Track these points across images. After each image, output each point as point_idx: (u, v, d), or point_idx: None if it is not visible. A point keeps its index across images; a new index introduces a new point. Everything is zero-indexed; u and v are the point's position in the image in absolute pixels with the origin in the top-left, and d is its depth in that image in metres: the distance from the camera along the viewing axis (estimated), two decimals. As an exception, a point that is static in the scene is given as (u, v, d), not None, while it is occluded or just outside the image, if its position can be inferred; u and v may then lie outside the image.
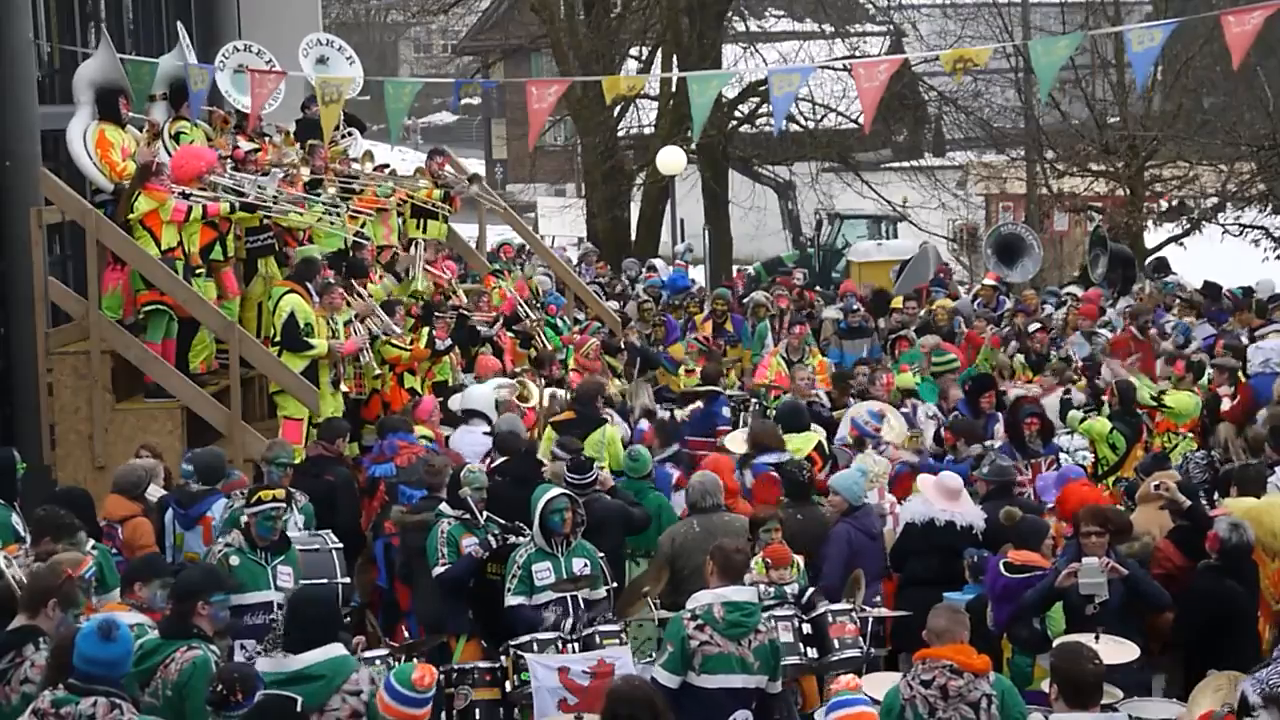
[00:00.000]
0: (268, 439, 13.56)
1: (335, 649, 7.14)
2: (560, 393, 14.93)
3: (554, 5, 30.81)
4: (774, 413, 14.29)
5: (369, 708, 7.09)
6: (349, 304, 14.35)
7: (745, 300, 21.65)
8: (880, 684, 8.68)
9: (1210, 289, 21.19)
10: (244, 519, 9.73)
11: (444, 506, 10.70)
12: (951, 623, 7.63)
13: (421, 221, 17.45)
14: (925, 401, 15.10)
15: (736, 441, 13.21)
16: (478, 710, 9.41)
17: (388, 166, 18.21)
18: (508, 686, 9.39)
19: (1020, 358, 17.78)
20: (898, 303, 20.83)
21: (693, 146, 28.11)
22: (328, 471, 11.95)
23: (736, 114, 31.33)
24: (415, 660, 9.25)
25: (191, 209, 13.68)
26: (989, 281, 22.29)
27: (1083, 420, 14.18)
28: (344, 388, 14.11)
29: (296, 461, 11.97)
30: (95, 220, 13.68)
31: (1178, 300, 20.88)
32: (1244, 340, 17.34)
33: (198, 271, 13.99)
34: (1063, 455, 13.45)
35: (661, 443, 13.22)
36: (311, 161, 15.90)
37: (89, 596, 8.15)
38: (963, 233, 37.23)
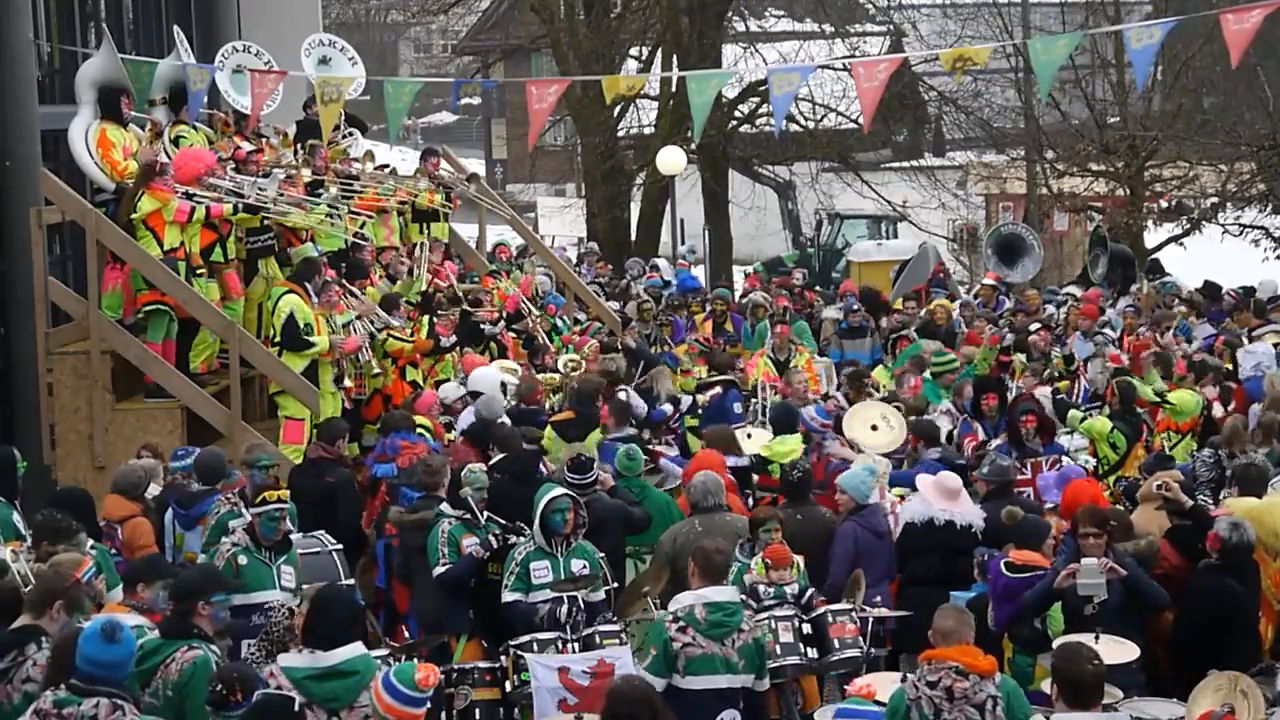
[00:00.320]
0: (268, 439, 13.58)
1: (360, 647, 7.18)
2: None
3: (554, 5, 30.80)
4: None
5: None
6: (348, 303, 14.34)
7: (745, 300, 21.65)
8: (880, 684, 8.69)
9: (1210, 289, 21.19)
10: (248, 517, 9.78)
11: (444, 506, 10.71)
12: (958, 623, 7.65)
13: (425, 225, 17.49)
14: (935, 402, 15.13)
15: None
16: (478, 710, 9.42)
17: (387, 167, 18.23)
18: (508, 686, 9.40)
19: (1021, 357, 17.78)
20: (898, 303, 20.82)
21: (693, 146, 28.10)
22: (328, 473, 11.95)
23: (736, 114, 31.32)
24: (416, 659, 9.30)
25: (194, 209, 13.68)
26: (989, 281, 22.28)
27: (1083, 420, 14.18)
28: (347, 383, 14.12)
29: (280, 461, 12.00)
30: (95, 220, 13.68)
31: (1177, 300, 20.88)
32: (1244, 340, 17.35)
33: (199, 272, 13.99)
34: (1065, 457, 13.46)
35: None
36: (312, 162, 15.90)
37: (95, 603, 8.17)
38: (963, 233, 37.23)
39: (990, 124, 32.91)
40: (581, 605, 9.88)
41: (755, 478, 12.87)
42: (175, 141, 14.95)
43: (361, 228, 15.82)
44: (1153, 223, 31.19)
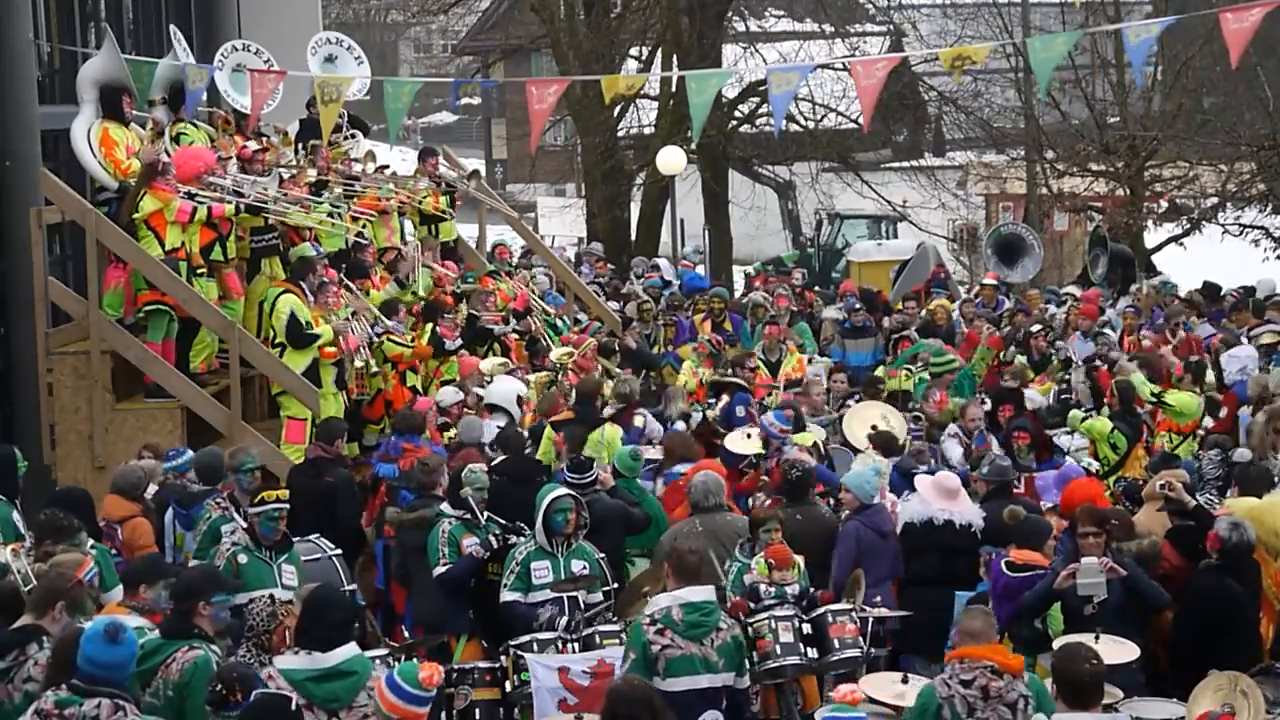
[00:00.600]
0: (268, 439, 13.59)
1: (355, 647, 7.19)
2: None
3: (554, 5, 30.78)
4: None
5: None
6: (346, 299, 14.33)
7: (745, 300, 21.64)
8: (880, 684, 8.70)
9: (1210, 289, 21.18)
10: (240, 522, 9.81)
11: (445, 506, 10.72)
12: (986, 624, 7.74)
13: (433, 227, 17.51)
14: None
15: (734, 440, 13.22)
16: (478, 710, 9.43)
17: (387, 167, 18.23)
18: (508, 686, 9.41)
19: (1022, 358, 17.77)
20: (898, 303, 20.81)
21: (693, 146, 28.10)
22: (327, 473, 11.95)
23: (736, 114, 31.31)
24: (415, 659, 9.30)
25: (196, 210, 13.68)
26: (989, 281, 22.27)
27: (1084, 420, 14.17)
28: (349, 383, 14.15)
29: (269, 462, 12.02)
30: (95, 220, 13.69)
31: (1177, 300, 20.87)
32: (1243, 340, 17.34)
33: (199, 271, 13.99)
34: (1067, 457, 13.47)
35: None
36: (315, 162, 15.90)
37: (96, 604, 8.18)
38: (963, 233, 37.21)
39: (990, 124, 32.89)
40: (581, 606, 9.88)
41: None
42: (176, 140, 14.96)
43: (363, 228, 15.84)
44: (1153, 223, 31.18)
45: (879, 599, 10.18)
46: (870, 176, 33.18)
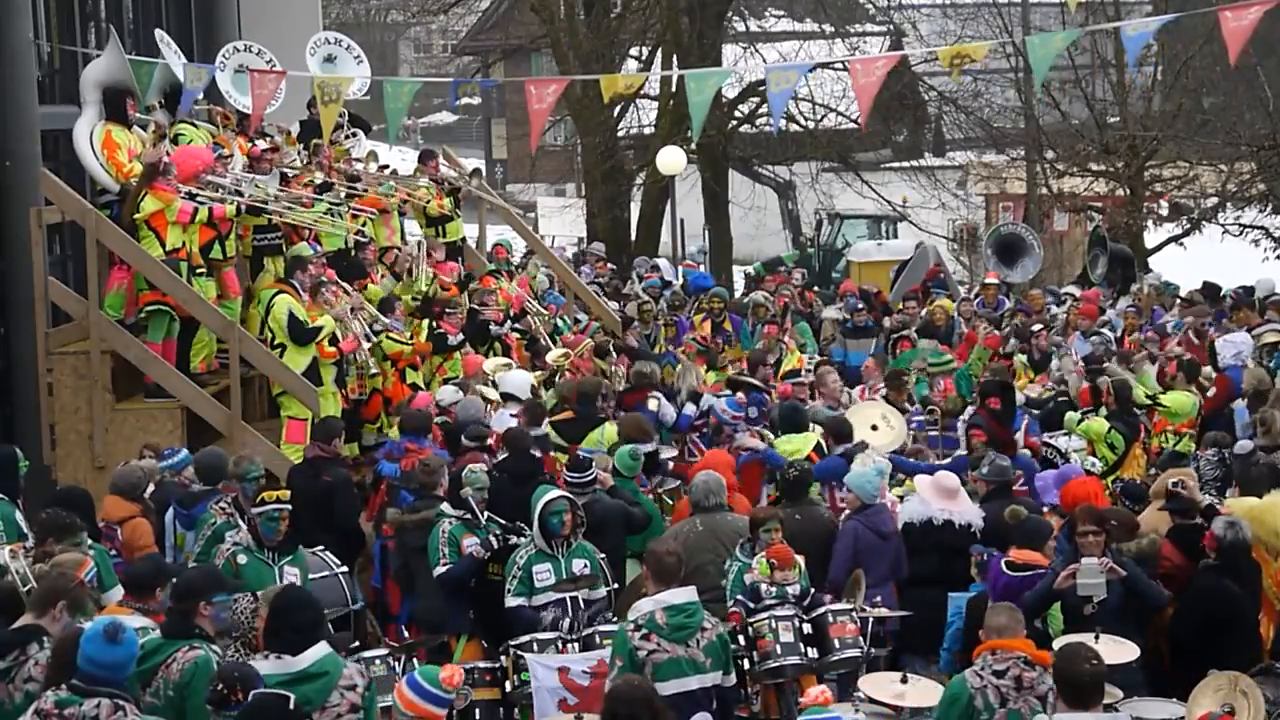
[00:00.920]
0: (268, 439, 13.58)
1: (325, 647, 7.19)
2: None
3: (554, 5, 30.78)
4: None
5: (365, 700, 7.15)
6: (343, 298, 14.32)
7: (745, 300, 21.63)
8: (880, 684, 8.70)
9: (1210, 289, 21.18)
10: (244, 528, 9.79)
11: (445, 506, 10.72)
12: (1011, 620, 7.79)
13: (440, 228, 17.51)
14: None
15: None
16: (478, 710, 9.43)
17: (388, 167, 18.23)
18: (508, 686, 9.41)
19: (1022, 358, 17.78)
20: (898, 304, 20.82)
21: (692, 146, 28.09)
22: (325, 472, 11.94)
23: (736, 114, 31.32)
24: (415, 659, 9.31)
25: (197, 210, 13.68)
26: (991, 281, 22.29)
27: (1080, 421, 14.16)
28: (349, 382, 14.15)
29: (271, 468, 12.02)
30: (95, 220, 13.68)
31: (1177, 300, 20.88)
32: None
33: (198, 271, 13.99)
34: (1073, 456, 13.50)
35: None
36: (321, 164, 15.90)
37: (97, 605, 8.18)
38: (963, 233, 37.23)
39: (990, 124, 32.91)
40: (583, 606, 9.88)
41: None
42: (175, 140, 14.96)
43: (364, 227, 15.82)
44: (1153, 223, 31.19)
45: (879, 599, 10.18)
46: (870, 176, 33.19)
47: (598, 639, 9.43)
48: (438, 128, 59.56)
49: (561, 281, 20.54)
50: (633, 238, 31.10)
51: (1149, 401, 14.59)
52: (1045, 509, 11.40)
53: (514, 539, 10.47)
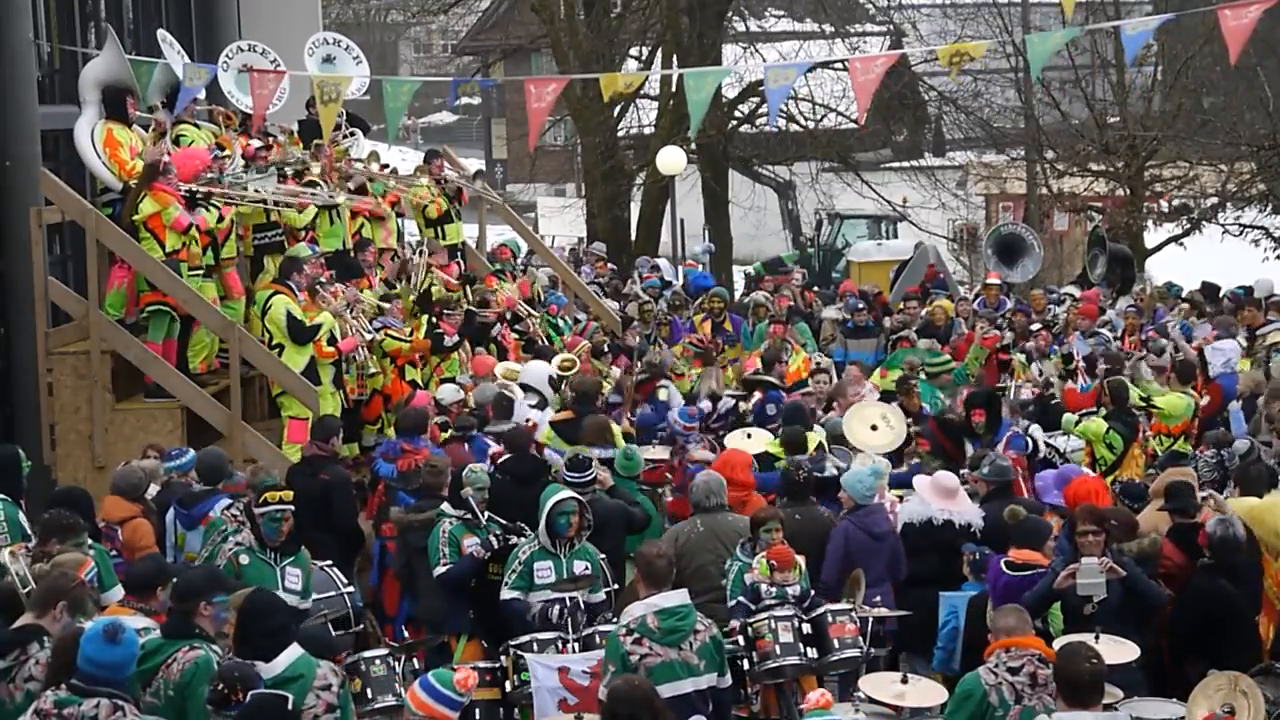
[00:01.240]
0: (268, 439, 13.58)
1: (297, 649, 7.23)
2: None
3: (554, 5, 30.78)
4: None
5: (340, 698, 7.20)
6: (339, 298, 14.32)
7: (746, 300, 21.62)
8: (880, 684, 8.70)
9: (1209, 289, 21.17)
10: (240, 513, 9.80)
11: (446, 506, 10.71)
12: (1020, 621, 7.87)
13: (440, 229, 17.49)
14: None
15: (734, 440, 13.25)
16: (478, 710, 9.44)
17: (388, 166, 18.22)
18: (508, 686, 9.42)
19: (1021, 358, 17.76)
20: (898, 304, 20.80)
21: (692, 146, 28.07)
22: (323, 471, 11.93)
23: (736, 114, 31.34)
24: (415, 659, 9.32)
25: (191, 226, 13.67)
26: (992, 281, 22.28)
27: (1078, 423, 14.14)
28: (349, 382, 14.13)
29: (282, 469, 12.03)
30: (95, 220, 13.68)
31: (1178, 301, 20.88)
32: (1242, 339, 17.34)
33: (194, 271, 13.97)
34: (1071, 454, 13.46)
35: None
36: (326, 165, 15.91)
37: (97, 606, 8.18)
38: (963, 233, 37.24)
39: (990, 124, 32.92)
40: (582, 605, 9.88)
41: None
42: (176, 141, 14.96)
43: (360, 229, 15.81)
44: (1153, 223, 31.20)
45: (879, 599, 10.18)
46: (870, 176, 33.20)
47: (598, 639, 9.42)
48: (438, 128, 59.60)
49: (562, 281, 20.55)
50: (633, 238, 31.11)
51: (1142, 404, 14.57)
52: (1047, 509, 11.41)
53: (514, 539, 10.46)
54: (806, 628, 9.53)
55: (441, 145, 22.19)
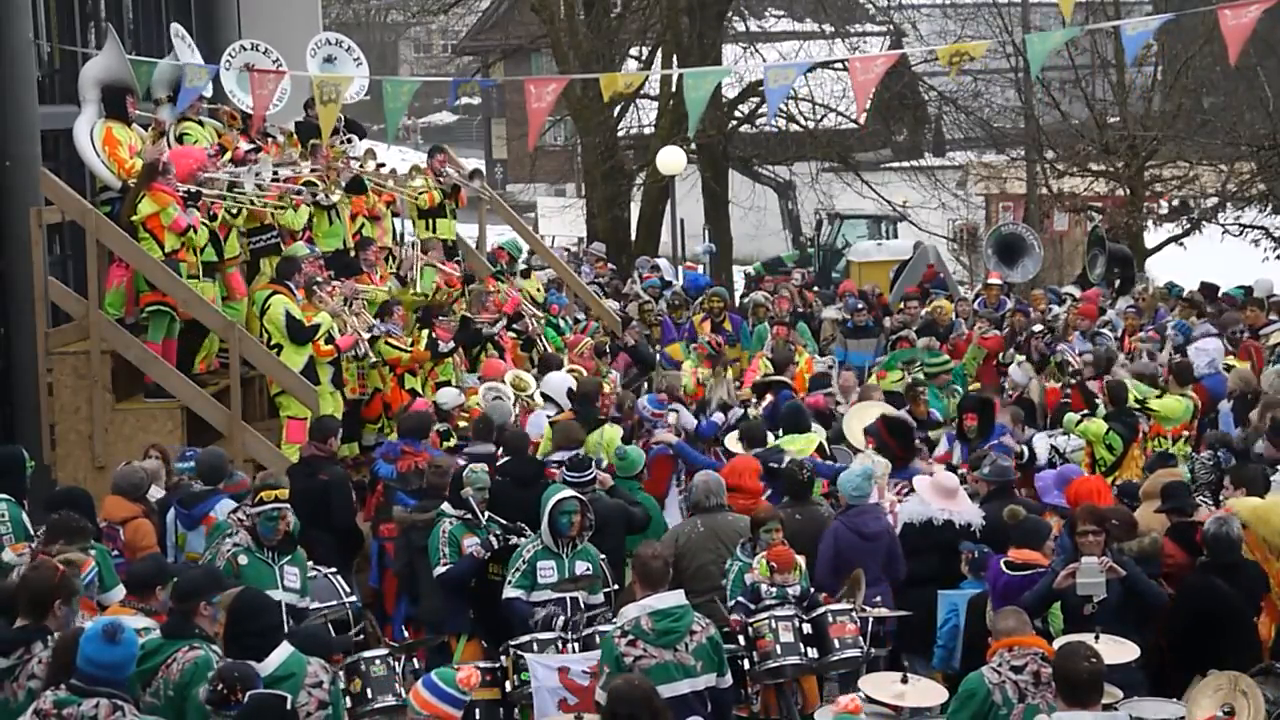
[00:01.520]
0: (268, 439, 13.58)
1: (288, 648, 7.24)
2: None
3: (554, 5, 30.79)
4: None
5: (331, 695, 7.21)
6: (337, 296, 14.32)
7: (745, 300, 21.62)
8: (880, 684, 8.69)
9: (1208, 289, 21.17)
10: (246, 518, 9.77)
11: (446, 506, 10.72)
12: (1020, 622, 7.93)
13: (431, 221, 17.47)
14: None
15: (733, 440, 13.24)
16: (478, 710, 9.44)
17: (385, 166, 18.20)
18: (508, 686, 9.42)
19: (1020, 357, 17.75)
20: (898, 304, 20.81)
21: (692, 146, 28.06)
22: (321, 471, 11.94)
23: (736, 114, 31.34)
24: (415, 659, 9.32)
25: (189, 229, 13.66)
26: (993, 281, 22.27)
27: (1078, 423, 14.13)
28: (348, 381, 14.12)
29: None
30: (95, 220, 13.68)
31: (1178, 301, 20.86)
32: (1243, 338, 17.33)
33: (191, 275, 13.97)
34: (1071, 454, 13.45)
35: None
36: (313, 161, 15.90)
37: (98, 605, 8.18)
38: (963, 233, 37.23)
39: (990, 124, 32.91)
40: (582, 606, 9.88)
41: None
42: (179, 139, 14.95)
43: (360, 229, 15.79)
44: (1153, 223, 31.20)
45: (879, 599, 10.17)
46: (870, 176, 33.20)
47: (598, 639, 9.42)
48: (438, 128, 59.60)
49: (562, 281, 20.55)
50: (633, 238, 31.12)
51: (1139, 406, 14.55)
52: (1047, 509, 11.41)
53: (514, 539, 10.47)
54: (807, 628, 9.53)
55: (442, 144, 22.13)
